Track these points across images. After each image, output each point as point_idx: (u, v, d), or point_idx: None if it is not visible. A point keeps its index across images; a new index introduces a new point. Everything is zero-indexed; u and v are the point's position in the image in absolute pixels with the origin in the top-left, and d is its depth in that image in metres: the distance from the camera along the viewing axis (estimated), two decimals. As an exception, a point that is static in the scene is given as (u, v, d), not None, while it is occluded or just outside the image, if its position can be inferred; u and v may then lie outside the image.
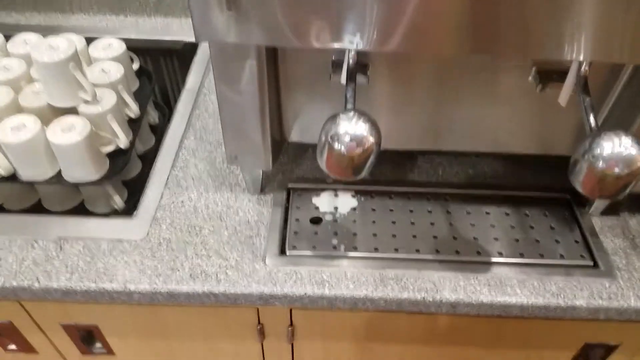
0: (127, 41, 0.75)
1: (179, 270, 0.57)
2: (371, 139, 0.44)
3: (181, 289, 0.56)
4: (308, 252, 0.59)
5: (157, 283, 0.56)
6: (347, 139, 0.43)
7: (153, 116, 0.84)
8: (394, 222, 0.63)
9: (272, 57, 0.55)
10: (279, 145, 0.66)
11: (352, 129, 0.43)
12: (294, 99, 0.60)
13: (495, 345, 0.66)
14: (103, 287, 0.57)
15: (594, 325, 0.61)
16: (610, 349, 0.66)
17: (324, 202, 0.66)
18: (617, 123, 0.54)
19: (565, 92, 0.48)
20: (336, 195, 0.66)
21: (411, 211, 0.64)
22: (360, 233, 0.62)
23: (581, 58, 0.43)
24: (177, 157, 0.72)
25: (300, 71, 0.57)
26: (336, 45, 0.46)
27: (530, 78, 0.53)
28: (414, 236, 0.61)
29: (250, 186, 0.66)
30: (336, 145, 0.44)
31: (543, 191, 0.66)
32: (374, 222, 0.63)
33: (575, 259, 0.59)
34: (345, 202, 0.65)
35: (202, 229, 0.62)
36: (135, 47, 0.84)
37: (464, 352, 0.68)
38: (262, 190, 0.67)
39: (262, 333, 0.65)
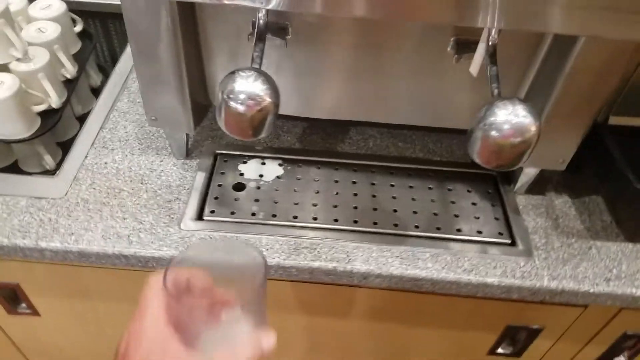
0: (74, 3, 0.74)
1: (91, 231, 0.56)
2: (268, 99, 0.42)
3: (92, 249, 0.55)
4: (226, 218, 0.59)
5: (69, 242, 0.55)
6: (242, 97, 0.42)
7: (95, 79, 0.82)
8: (317, 192, 0.62)
9: (189, 14, 0.53)
10: (204, 108, 0.64)
11: (248, 87, 0.42)
12: (217, 60, 0.58)
13: (415, 324, 0.66)
14: (15, 242, 0.56)
15: (515, 307, 0.61)
16: (534, 333, 0.66)
17: (250, 169, 0.64)
18: (538, 94, 0.53)
19: (476, 61, 0.46)
20: (263, 163, 0.65)
21: (336, 182, 0.63)
22: (281, 201, 0.61)
23: (487, 24, 0.41)
24: (108, 118, 0.70)
25: (222, 31, 0.55)
26: (243, 3, 0.44)
27: (449, 48, 0.51)
28: (335, 206, 0.60)
29: (176, 150, 0.64)
30: (232, 104, 0.42)
31: (471, 167, 0.65)
32: (296, 190, 0.62)
33: (493, 236, 0.58)
34: (272, 170, 0.64)
35: (122, 191, 0.61)
36: (82, 10, 0.82)
37: (382, 327, 0.68)
38: (189, 154, 0.65)
39: (182, 298, 0.65)
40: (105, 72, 0.82)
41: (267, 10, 0.48)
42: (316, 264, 0.55)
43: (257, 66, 0.46)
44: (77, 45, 0.76)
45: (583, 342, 0.68)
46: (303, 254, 0.55)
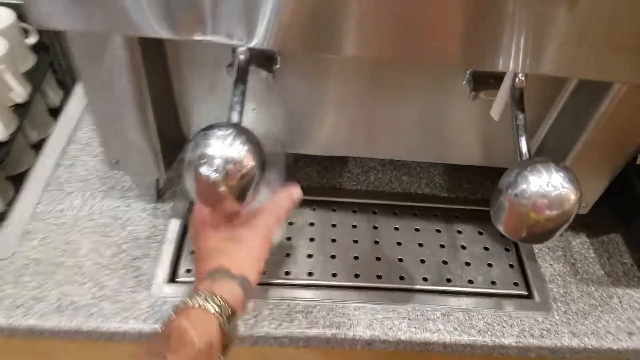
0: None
1: (43, 301, 0.48)
2: (251, 162, 0.34)
3: (44, 325, 0.46)
4: (205, 277, 0.51)
5: (15, 316, 0.47)
6: (219, 162, 0.34)
7: (53, 98, 0.71)
8: (312, 240, 0.55)
9: (154, 43, 0.44)
10: (178, 143, 0.55)
11: (225, 150, 0.34)
12: (192, 90, 0.49)
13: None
14: (-51, 319, 0.47)
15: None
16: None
17: (233, 213, 0.56)
18: (562, 137, 0.46)
19: (499, 104, 0.39)
20: (249, 205, 0.57)
21: (334, 225, 0.56)
22: (271, 254, 0.53)
23: (511, 68, 0.34)
24: (65, 152, 0.61)
25: (196, 58, 0.46)
26: (219, 40, 0.36)
27: (464, 82, 0.44)
28: (333, 257, 0.53)
29: (144, 193, 0.55)
30: (204, 171, 0.34)
31: (480, 205, 0.58)
32: (288, 238, 0.54)
33: (508, 287, 0.52)
34: (258, 214, 0.56)
35: (80, 247, 0.52)
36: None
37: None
38: (160, 197, 0.57)
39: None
40: (68, 89, 0.71)
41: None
42: (312, 331, 0.48)
43: (236, 116, 0.37)
44: (30, 61, 0.65)
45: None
46: (297, 320, 0.48)
